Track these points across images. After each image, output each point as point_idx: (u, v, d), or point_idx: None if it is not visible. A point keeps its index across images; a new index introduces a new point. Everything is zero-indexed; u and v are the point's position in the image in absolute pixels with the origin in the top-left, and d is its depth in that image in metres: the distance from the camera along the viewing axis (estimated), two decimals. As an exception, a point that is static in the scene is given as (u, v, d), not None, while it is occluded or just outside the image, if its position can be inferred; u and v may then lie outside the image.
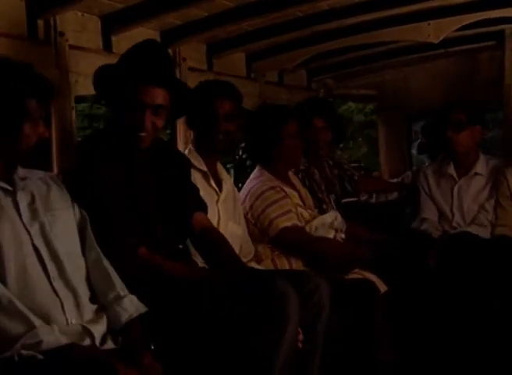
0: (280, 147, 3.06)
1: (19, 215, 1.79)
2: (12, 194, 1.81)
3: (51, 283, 1.78)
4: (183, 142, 3.26)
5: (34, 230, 1.80)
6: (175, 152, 2.52)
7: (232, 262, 2.28)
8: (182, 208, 2.34)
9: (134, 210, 2.14)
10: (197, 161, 2.70)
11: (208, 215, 2.55)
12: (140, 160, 2.25)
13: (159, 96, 2.18)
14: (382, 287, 2.93)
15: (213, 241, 2.37)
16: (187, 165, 2.50)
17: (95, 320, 1.83)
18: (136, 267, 2.06)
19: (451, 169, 3.51)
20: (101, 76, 2.24)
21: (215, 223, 2.65)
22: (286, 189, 3.07)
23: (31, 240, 1.79)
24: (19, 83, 1.79)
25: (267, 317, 2.00)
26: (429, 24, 3.37)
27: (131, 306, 1.89)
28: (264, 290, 2.04)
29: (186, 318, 2.01)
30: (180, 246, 2.36)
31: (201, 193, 2.60)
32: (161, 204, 2.26)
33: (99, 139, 2.28)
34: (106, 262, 1.95)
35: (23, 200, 1.82)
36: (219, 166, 2.84)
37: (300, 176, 3.30)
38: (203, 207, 2.44)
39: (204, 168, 2.72)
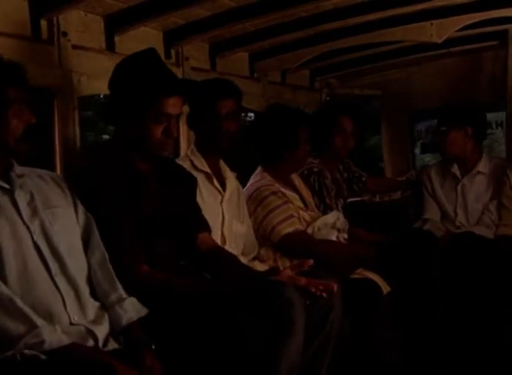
0: (295, 151, 3.04)
1: (19, 213, 1.78)
2: (10, 193, 1.79)
3: (52, 279, 1.77)
4: (186, 143, 3.26)
5: (34, 226, 1.79)
6: (181, 169, 2.47)
7: (246, 274, 2.27)
8: (184, 227, 2.32)
9: (135, 224, 2.11)
10: (200, 162, 2.69)
11: (213, 215, 2.55)
12: (145, 173, 2.23)
13: (180, 105, 2.19)
14: (385, 288, 2.92)
15: (222, 259, 2.35)
16: (193, 183, 2.47)
17: (98, 321, 1.82)
18: (140, 283, 2.03)
19: (454, 169, 3.51)
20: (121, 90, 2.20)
21: (219, 222, 2.66)
22: (288, 192, 3.06)
23: (31, 237, 1.77)
24: None
25: (273, 325, 1.98)
26: (432, 24, 3.37)
27: (132, 309, 1.88)
28: (272, 298, 2.02)
29: (190, 324, 1.99)
30: (182, 262, 2.33)
31: (205, 194, 2.60)
32: (164, 219, 2.22)
33: (105, 149, 2.25)
34: (110, 265, 1.95)
35: (21, 198, 1.80)
36: (222, 165, 2.82)
37: (311, 179, 3.29)
38: (206, 228, 2.42)
39: (207, 169, 2.70)
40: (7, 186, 1.80)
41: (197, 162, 2.68)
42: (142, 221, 2.12)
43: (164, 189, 2.27)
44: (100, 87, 2.79)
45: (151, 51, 2.22)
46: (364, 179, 3.72)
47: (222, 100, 2.66)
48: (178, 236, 2.27)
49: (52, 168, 2.59)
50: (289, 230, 2.90)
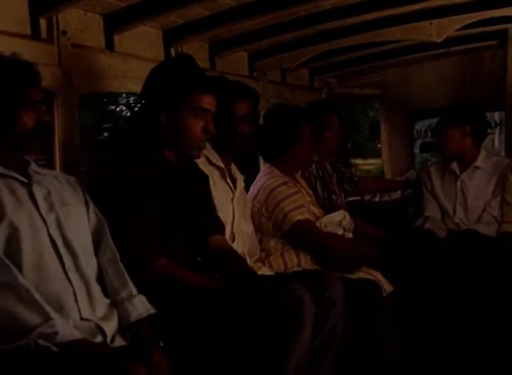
0: (298, 147, 3.09)
1: (36, 205, 1.82)
2: (28, 186, 1.84)
3: (65, 273, 1.80)
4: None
5: (50, 220, 1.83)
6: (198, 168, 2.50)
7: (249, 277, 2.29)
8: (200, 226, 2.34)
9: (154, 220, 2.12)
10: (215, 158, 2.72)
11: (224, 212, 2.58)
12: (167, 171, 2.25)
13: (215, 104, 2.26)
14: (388, 287, 2.93)
15: (230, 260, 2.37)
16: (207, 182, 2.50)
17: (107, 317, 1.85)
18: (154, 279, 2.05)
19: (453, 165, 3.53)
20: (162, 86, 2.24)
21: (229, 220, 2.68)
22: (297, 185, 3.12)
23: (47, 229, 1.81)
24: (8, 72, 1.83)
25: (283, 321, 2.00)
26: (431, 23, 3.37)
27: (141, 306, 1.91)
28: (281, 295, 2.04)
29: (199, 323, 2.00)
30: (198, 259, 2.35)
31: (219, 189, 2.63)
32: (182, 217, 2.25)
33: (126, 146, 2.25)
34: (120, 263, 1.97)
35: (38, 192, 1.85)
36: (233, 167, 2.85)
37: (313, 167, 3.35)
38: (221, 229, 2.45)
39: (222, 165, 2.73)
40: (25, 180, 1.85)
41: (212, 158, 2.70)
42: (163, 216, 2.14)
43: (186, 185, 2.30)
44: (100, 85, 2.79)
45: (187, 56, 2.31)
46: (355, 179, 3.77)
47: (238, 101, 2.70)
48: (195, 233, 2.29)
49: (52, 167, 2.59)
50: (301, 217, 2.94)
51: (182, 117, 2.20)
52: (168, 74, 2.24)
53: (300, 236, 2.95)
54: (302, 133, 3.08)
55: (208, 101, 2.22)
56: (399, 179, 4.17)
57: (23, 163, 1.88)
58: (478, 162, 3.48)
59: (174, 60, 2.32)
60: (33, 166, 1.91)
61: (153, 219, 2.10)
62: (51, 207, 1.86)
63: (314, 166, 3.35)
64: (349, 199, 3.76)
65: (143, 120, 2.29)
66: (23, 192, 1.82)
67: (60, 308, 1.74)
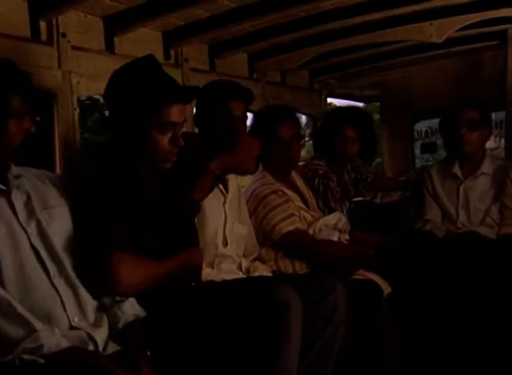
0: (275, 149, 3.04)
1: (15, 214, 1.77)
2: (7, 194, 1.78)
3: (51, 281, 1.76)
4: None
5: (31, 228, 1.78)
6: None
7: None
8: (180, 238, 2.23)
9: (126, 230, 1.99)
10: None
11: (216, 217, 2.57)
12: (147, 181, 2.15)
13: (184, 112, 2.11)
14: (386, 289, 2.92)
15: None
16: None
17: (98, 323, 1.82)
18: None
19: (456, 169, 3.47)
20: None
21: (221, 224, 2.65)
22: (288, 192, 3.06)
23: (29, 239, 1.76)
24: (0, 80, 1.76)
25: (270, 327, 1.95)
26: (432, 24, 3.37)
27: (129, 310, 1.88)
28: (264, 298, 1.99)
29: (184, 326, 1.97)
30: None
31: (209, 196, 2.57)
32: (163, 228, 2.15)
33: (108, 152, 2.15)
34: None
35: (18, 199, 1.79)
36: None
37: (316, 181, 3.28)
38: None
39: None
40: (3, 187, 1.79)
41: None
42: (141, 229, 2.05)
43: (165, 199, 2.21)
44: (99, 88, 2.77)
45: (150, 58, 2.13)
46: (369, 180, 3.69)
47: (235, 102, 2.65)
48: (175, 246, 2.18)
49: (52, 168, 2.59)
50: (290, 228, 2.91)
51: (147, 133, 2.04)
52: (131, 84, 2.05)
53: (292, 246, 2.91)
54: (275, 137, 3.02)
55: (177, 113, 2.04)
56: (400, 179, 4.16)
57: (2, 168, 1.81)
58: (485, 168, 3.42)
59: (136, 66, 2.10)
60: (13, 170, 1.83)
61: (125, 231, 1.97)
62: (31, 214, 1.80)
63: (317, 181, 3.27)
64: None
65: (110, 129, 2.17)
66: (1, 202, 1.76)
67: (48, 319, 1.70)
